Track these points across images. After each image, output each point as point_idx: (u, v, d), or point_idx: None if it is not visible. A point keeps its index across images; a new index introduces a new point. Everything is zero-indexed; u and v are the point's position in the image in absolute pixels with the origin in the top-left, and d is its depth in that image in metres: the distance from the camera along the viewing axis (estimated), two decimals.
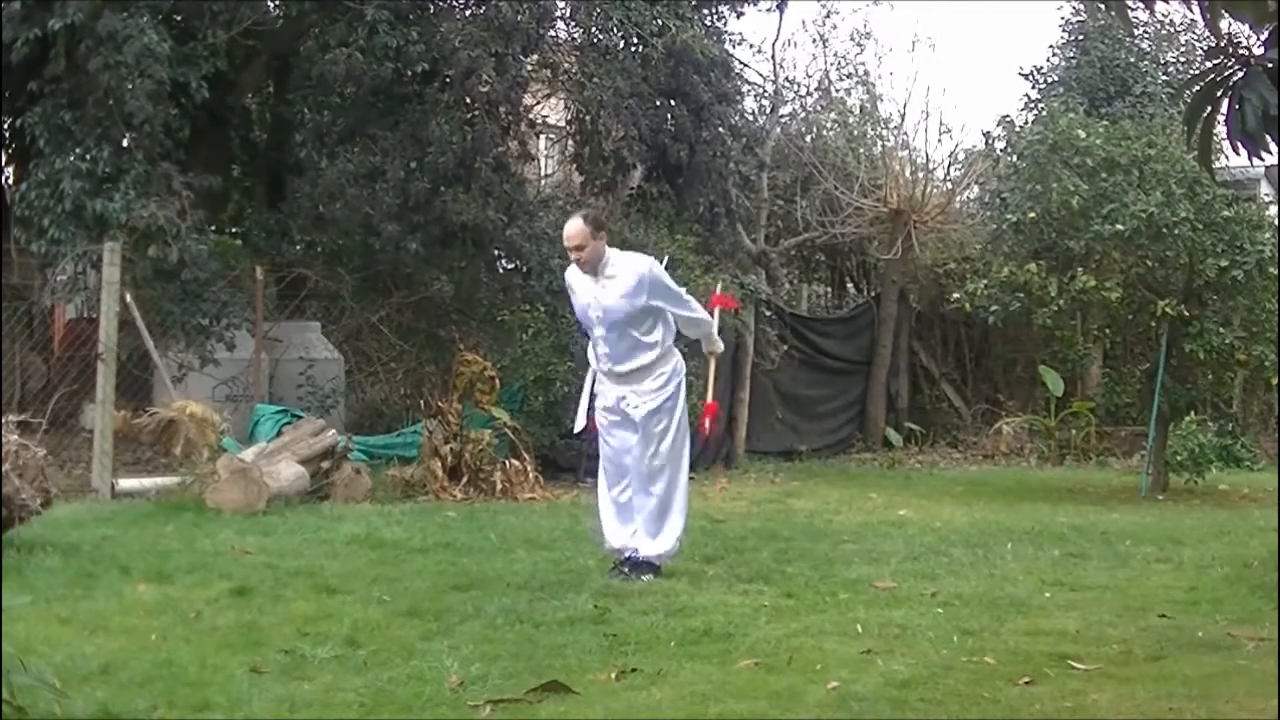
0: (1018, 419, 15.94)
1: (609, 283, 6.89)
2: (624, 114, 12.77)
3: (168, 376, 11.00)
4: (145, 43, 10.58)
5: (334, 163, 12.12)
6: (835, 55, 17.37)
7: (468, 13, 13.01)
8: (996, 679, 4.98)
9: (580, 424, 7.28)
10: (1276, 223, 12.43)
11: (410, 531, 8.35)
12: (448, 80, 12.31)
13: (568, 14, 13.75)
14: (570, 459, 12.11)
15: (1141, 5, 11.57)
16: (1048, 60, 19.09)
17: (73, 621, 5.56)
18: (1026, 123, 16.85)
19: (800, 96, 17.17)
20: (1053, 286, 11.81)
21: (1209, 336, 11.48)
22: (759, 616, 6.04)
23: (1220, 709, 4.64)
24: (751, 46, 16.43)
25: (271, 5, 13.25)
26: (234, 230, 14.34)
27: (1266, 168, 15.63)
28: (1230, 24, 3.82)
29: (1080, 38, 18.62)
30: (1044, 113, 15.55)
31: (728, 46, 14.80)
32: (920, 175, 16.29)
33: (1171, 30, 19.03)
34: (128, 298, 10.41)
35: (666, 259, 8.38)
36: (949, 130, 23.80)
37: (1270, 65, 3.62)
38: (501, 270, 13.17)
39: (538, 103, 14.53)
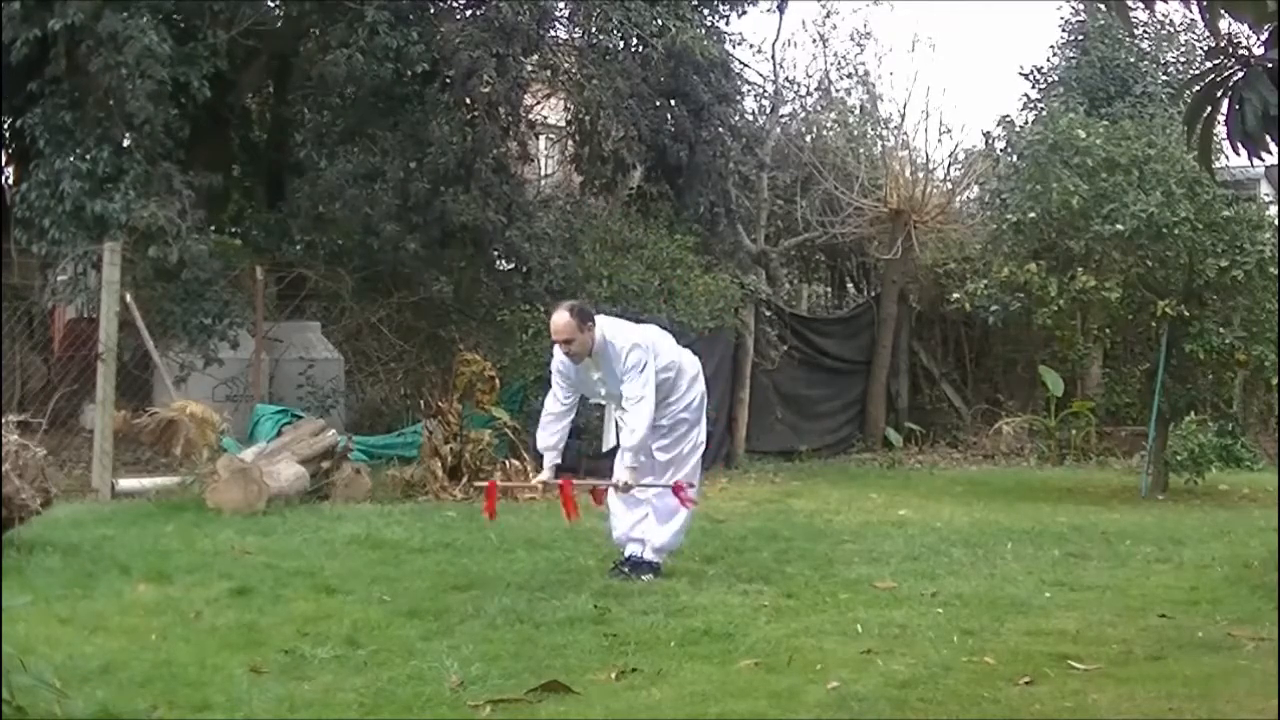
0: (1018, 419, 15.93)
1: (607, 367, 6.80)
2: (624, 114, 12.77)
3: (168, 376, 11.00)
4: (145, 43, 10.58)
5: (334, 163, 12.13)
6: (835, 55, 17.38)
7: (468, 13, 13.02)
8: (996, 679, 4.98)
9: (609, 443, 7.20)
10: (1276, 223, 12.42)
11: (410, 531, 8.36)
12: (448, 81, 12.32)
13: (568, 15, 13.75)
14: (570, 459, 12.10)
15: (1141, 5, 11.58)
16: (1048, 60, 19.08)
17: (73, 621, 5.56)
18: (1026, 123, 16.86)
19: (800, 96, 17.17)
20: (1053, 286, 11.81)
21: (1209, 336, 11.48)
22: (759, 616, 6.04)
23: (1220, 709, 4.64)
24: (751, 46, 16.45)
25: (271, 5, 13.26)
26: (234, 230, 14.35)
27: (1266, 168, 15.62)
28: (1230, 24, 3.82)
29: (1080, 38, 18.60)
30: (1044, 113, 15.59)
31: (728, 46, 14.79)
32: (920, 175, 16.28)
33: (1171, 30, 19.01)
34: (128, 298, 10.41)
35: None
36: (949, 130, 23.80)
37: (1270, 65, 3.62)
38: (501, 270, 13.17)
39: (538, 103, 14.53)
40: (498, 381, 11.34)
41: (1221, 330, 11.53)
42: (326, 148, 12.34)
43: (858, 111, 17.57)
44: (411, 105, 12.35)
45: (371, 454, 11.10)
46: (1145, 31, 18.80)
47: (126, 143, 11.18)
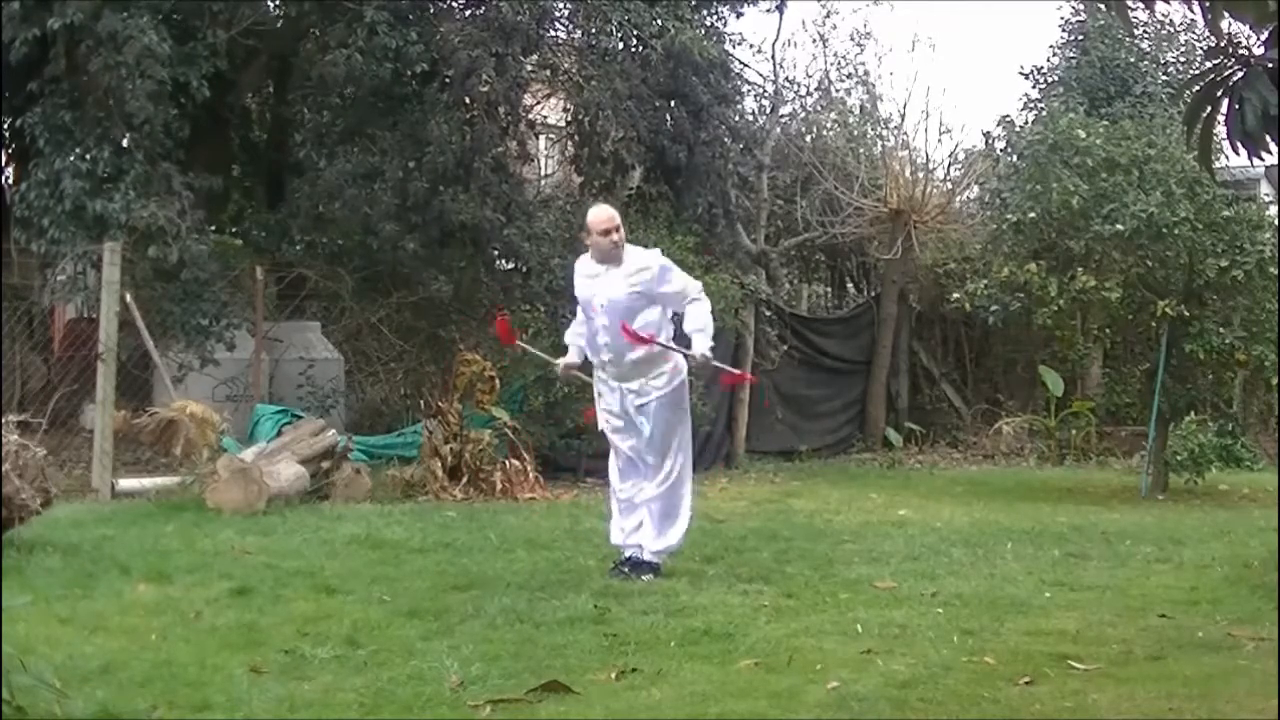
0: (1018, 419, 15.94)
1: (618, 273, 6.94)
2: (623, 115, 12.77)
3: (168, 376, 11.00)
4: (145, 43, 10.58)
5: (333, 163, 12.13)
6: (835, 55, 17.38)
7: (467, 13, 13.02)
8: (996, 679, 4.98)
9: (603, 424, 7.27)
10: (1276, 223, 12.42)
11: (410, 531, 8.35)
12: (447, 80, 12.32)
13: (567, 15, 13.76)
14: (570, 459, 12.12)
15: (1141, 5, 11.57)
16: (1048, 60, 19.08)
17: (73, 621, 5.56)
18: (1026, 123, 16.87)
19: (800, 96, 17.18)
20: (1053, 286, 11.81)
21: (1209, 336, 11.48)
22: (759, 616, 6.04)
23: (1220, 709, 4.64)
24: (751, 47, 16.45)
25: (271, 5, 13.27)
26: (234, 230, 14.35)
27: (1266, 168, 15.62)
28: (1230, 24, 3.82)
29: (1080, 38, 18.60)
30: (1044, 113, 15.59)
31: (727, 47, 14.79)
32: (920, 175, 16.28)
33: (1171, 30, 19.02)
34: (128, 298, 10.41)
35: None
36: (949, 130, 23.72)
37: (1270, 65, 3.62)
38: (501, 270, 13.17)
39: (537, 103, 14.53)
40: (498, 381, 11.34)
41: (1221, 330, 11.54)
42: (326, 148, 12.34)
43: (858, 111, 17.57)
44: (411, 105, 12.35)
45: (371, 454, 11.10)
46: (1145, 31, 18.81)
47: (126, 142, 11.17)
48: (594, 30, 13.33)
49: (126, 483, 10.02)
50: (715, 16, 14.60)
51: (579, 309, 7.25)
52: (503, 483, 10.64)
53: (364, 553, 7.60)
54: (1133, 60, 18.15)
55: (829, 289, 18.92)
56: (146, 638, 5.34)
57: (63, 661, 4.75)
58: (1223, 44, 3.78)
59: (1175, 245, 11.39)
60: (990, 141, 16.85)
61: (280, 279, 12.85)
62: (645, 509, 7.05)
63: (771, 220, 16.03)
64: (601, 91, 12.68)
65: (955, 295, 13.11)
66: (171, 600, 6.10)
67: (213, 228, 12.56)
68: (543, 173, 16.65)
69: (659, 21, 13.03)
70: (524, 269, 12.69)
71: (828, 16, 17.08)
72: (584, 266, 7.15)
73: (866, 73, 17.36)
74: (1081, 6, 18.55)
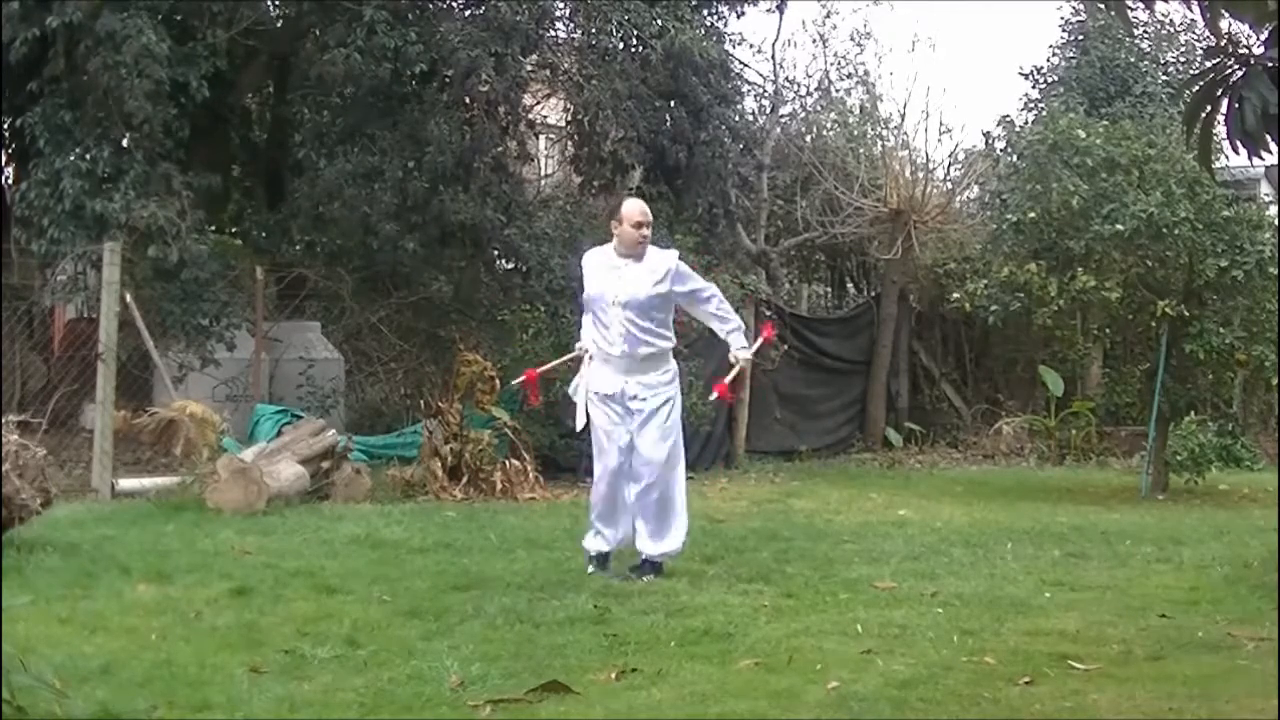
0: (1018, 419, 15.94)
1: (641, 268, 6.93)
2: (623, 115, 12.77)
3: (168, 376, 11.00)
4: (144, 42, 10.58)
5: (333, 163, 12.13)
6: (835, 55, 17.40)
7: (467, 13, 13.02)
8: (996, 679, 4.98)
9: (581, 422, 7.22)
10: (1276, 223, 12.42)
11: (410, 531, 8.35)
12: (446, 80, 12.32)
13: (567, 15, 13.76)
14: (570, 459, 12.11)
15: (1141, 5, 11.58)
16: (1048, 60, 19.10)
17: (73, 621, 5.56)
18: (1026, 123, 16.86)
19: (800, 96, 17.19)
20: (1053, 286, 11.80)
21: (1209, 336, 11.48)
22: (759, 616, 6.04)
23: (1220, 709, 4.64)
24: (751, 47, 16.48)
25: (271, 5, 13.26)
26: (234, 230, 14.35)
27: (1266, 168, 15.63)
28: (1230, 24, 3.82)
29: (1080, 38, 18.61)
30: (1044, 113, 15.58)
31: (727, 47, 14.80)
32: (920, 175, 16.29)
33: (1171, 30, 19.03)
34: (128, 298, 10.41)
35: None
36: (949, 130, 23.74)
37: (1270, 65, 3.62)
38: (501, 270, 13.17)
39: (537, 103, 14.53)
40: (498, 382, 11.33)
41: (1221, 330, 11.53)
42: (326, 147, 12.34)
43: (858, 111, 17.58)
44: (410, 105, 12.35)
45: (371, 454, 11.10)
46: (1145, 31, 18.83)
47: (126, 142, 11.17)
48: (594, 30, 13.32)
49: (126, 483, 10.01)
50: (715, 16, 14.61)
51: (587, 308, 7.15)
52: (503, 483, 10.64)
53: (364, 553, 7.59)
54: (1133, 60, 18.17)
55: (829, 289, 18.94)
56: (146, 638, 5.33)
57: (63, 661, 4.74)
58: (1222, 44, 3.77)
59: (1175, 245, 11.38)
60: (990, 141, 16.85)
61: (280, 279, 12.85)
62: (636, 510, 6.98)
63: (771, 220, 16.03)
64: (601, 91, 12.68)
65: (955, 295, 13.10)
66: (171, 600, 6.10)
67: (213, 227, 12.56)
68: (543, 173, 16.66)
69: (659, 21, 13.03)
70: (524, 269, 12.69)
71: (828, 16, 17.13)
72: (602, 258, 7.08)
73: (866, 73, 17.40)
74: (1081, 6, 18.56)
